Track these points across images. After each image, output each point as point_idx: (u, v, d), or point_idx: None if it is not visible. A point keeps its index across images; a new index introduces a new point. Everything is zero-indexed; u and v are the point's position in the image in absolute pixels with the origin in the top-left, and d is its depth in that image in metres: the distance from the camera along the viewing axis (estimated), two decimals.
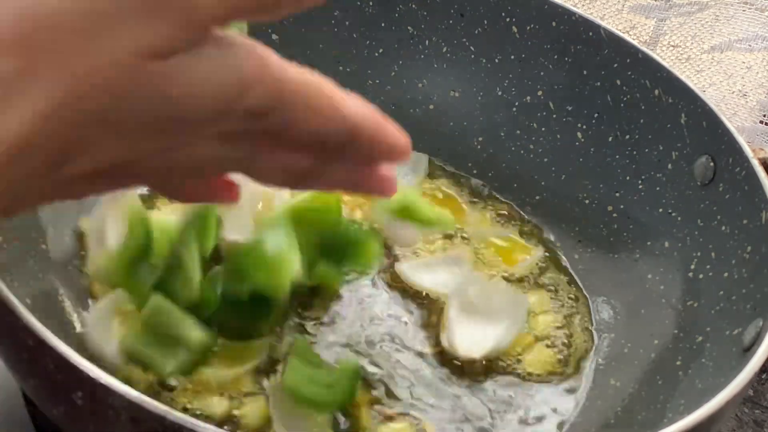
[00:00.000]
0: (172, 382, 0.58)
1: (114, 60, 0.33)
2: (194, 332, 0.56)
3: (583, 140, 0.77)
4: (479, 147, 0.80)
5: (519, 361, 0.65)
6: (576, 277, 0.72)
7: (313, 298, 0.66)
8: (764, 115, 0.96)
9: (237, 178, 0.44)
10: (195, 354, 0.57)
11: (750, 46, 0.97)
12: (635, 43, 0.74)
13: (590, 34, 0.75)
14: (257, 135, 0.39)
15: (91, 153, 0.35)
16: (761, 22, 0.96)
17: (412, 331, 0.66)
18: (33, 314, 0.48)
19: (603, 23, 0.75)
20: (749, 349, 0.57)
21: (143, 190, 0.66)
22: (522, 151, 0.79)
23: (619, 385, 0.65)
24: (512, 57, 0.78)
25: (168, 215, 0.66)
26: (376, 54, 0.80)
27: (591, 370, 0.66)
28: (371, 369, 0.62)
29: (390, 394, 0.61)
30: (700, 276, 0.67)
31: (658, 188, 0.72)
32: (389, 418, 0.60)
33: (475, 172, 0.78)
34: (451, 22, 0.79)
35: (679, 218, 0.70)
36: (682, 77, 0.71)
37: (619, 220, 0.74)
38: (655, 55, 0.73)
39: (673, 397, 0.60)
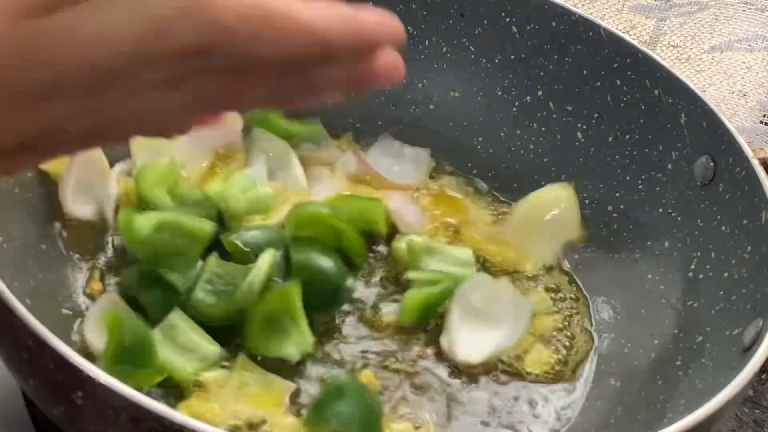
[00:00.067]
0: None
1: None
2: (209, 345, 0.59)
3: (583, 140, 0.77)
4: (479, 147, 0.80)
5: (519, 361, 0.65)
6: (576, 277, 0.72)
7: None
8: (764, 115, 0.96)
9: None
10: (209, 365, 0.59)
11: (750, 46, 0.97)
12: (635, 43, 0.74)
13: (590, 34, 0.75)
14: (219, 71, 0.35)
15: (2, 129, 0.33)
16: (761, 22, 0.96)
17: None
18: (33, 314, 0.48)
19: (603, 23, 0.75)
20: (749, 349, 0.57)
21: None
22: (522, 151, 0.79)
23: (619, 385, 0.65)
24: (512, 57, 0.78)
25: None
26: None
27: (591, 370, 0.66)
28: (371, 370, 0.62)
29: (390, 393, 0.61)
30: (700, 276, 0.67)
31: (658, 188, 0.72)
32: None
33: (475, 172, 0.78)
34: (451, 22, 0.79)
35: (679, 218, 0.70)
36: (682, 77, 0.71)
37: (619, 220, 0.74)
38: (655, 55, 0.73)
39: (673, 397, 0.60)
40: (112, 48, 0.32)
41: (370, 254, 0.70)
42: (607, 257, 0.73)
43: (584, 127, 0.77)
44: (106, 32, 0.32)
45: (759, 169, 0.64)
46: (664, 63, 0.72)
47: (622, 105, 0.74)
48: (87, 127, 0.35)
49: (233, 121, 0.74)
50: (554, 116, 0.78)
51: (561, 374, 0.65)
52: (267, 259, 0.62)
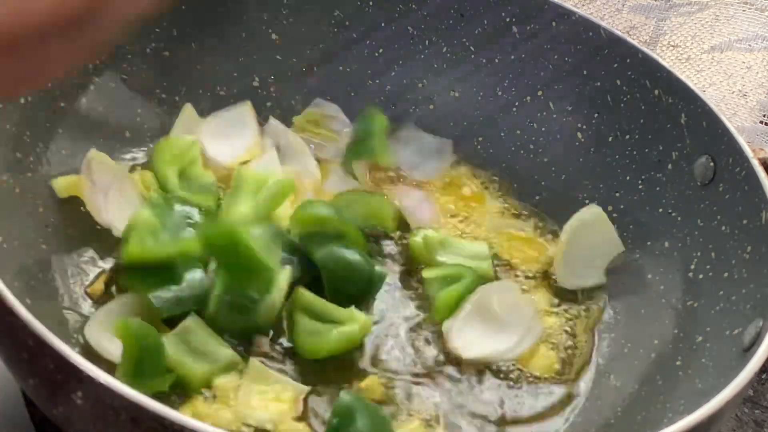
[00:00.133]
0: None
1: None
2: (223, 349, 0.59)
3: (583, 140, 0.77)
4: (479, 147, 0.80)
5: (522, 360, 0.65)
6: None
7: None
8: (764, 115, 0.96)
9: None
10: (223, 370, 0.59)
11: (750, 46, 0.97)
12: (635, 43, 0.74)
13: (590, 34, 0.75)
14: None
15: None
16: (761, 22, 0.96)
17: (417, 323, 0.66)
18: (33, 314, 0.48)
19: (603, 23, 0.75)
20: (749, 349, 0.57)
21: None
22: (522, 151, 0.79)
23: (619, 385, 0.65)
24: (512, 57, 0.78)
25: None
26: (376, 54, 0.80)
27: (591, 370, 0.66)
28: (377, 369, 0.63)
29: (390, 392, 0.61)
30: (700, 276, 0.67)
31: (658, 188, 0.72)
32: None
33: (474, 172, 0.78)
34: (451, 22, 0.79)
35: (679, 218, 0.70)
36: (682, 77, 0.71)
37: (619, 220, 0.74)
38: (655, 55, 0.73)
39: (673, 397, 0.60)
40: None
41: (380, 252, 0.70)
42: None
43: (584, 127, 0.77)
44: None
45: (759, 169, 0.64)
46: (664, 63, 0.72)
47: (622, 105, 0.74)
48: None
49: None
50: (554, 116, 0.78)
51: (562, 374, 0.65)
52: (286, 277, 0.62)
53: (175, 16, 0.74)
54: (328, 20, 0.79)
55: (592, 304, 0.70)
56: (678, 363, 0.63)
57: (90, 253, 0.65)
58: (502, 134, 0.79)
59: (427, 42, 0.80)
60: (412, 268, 0.70)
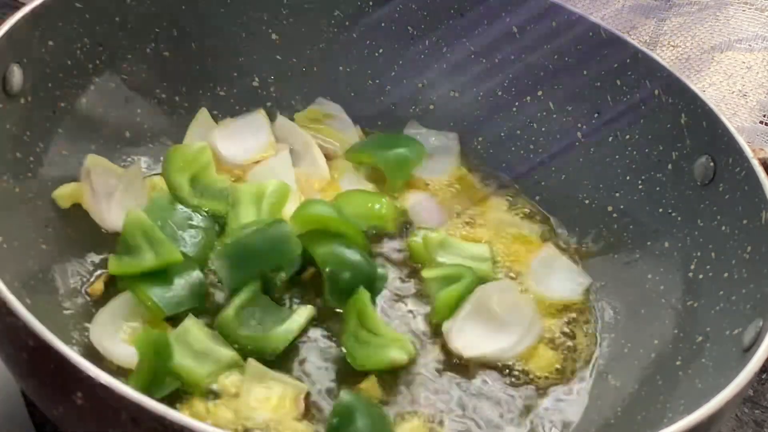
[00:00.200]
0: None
1: None
2: (223, 350, 0.60)
3: (583, 140, 0.77)
4: (479, 147, 0.80)
5: (521, 361, 0.65)
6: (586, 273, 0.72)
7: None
8: (764, 115, 0.96)
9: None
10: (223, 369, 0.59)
11: (750, 46, 0.97)
12: (635, 43, 0.74)
13: (590, 34, 0.75)
14: None
15: None
16: (761, 22, 0.96)
17: (417, 323, 0.66)
18: (33, 314, 0.48)
19: (603, 23, 0.75)
20: (749, 349, 0.57)
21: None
22: (522, 151, 0.79)
23: (619, 385, 0.65)
24: (512, 57, 0.78)
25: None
26: (376, 54, 0.80)
27: (591, 370, 0.66)
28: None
29: (390, 391, 0.61)
30: (700, 276, 0.67)
31: (658, 188, 0.72)
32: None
33: (475, 172, 0.79)
34: (451, 22, 0.79)
35: (679, 218, 0.70)
36: (682, 77, 0.71)
37: (619, 220, 0.74)
38: (655, 55, 0.73)
39: (673, 397, 0.60)
40: None
41: (381, 253, 0.70)
42: (607, 257, 0.73)
43: (584, 127, 0.77)
44: None
45: (759, 169, 0.64)
46: (664, 63, 0.72)
47: (622, 105, 0.74)
48: None
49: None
50: (554, 116, 0.78)
51: (562, 374, 0.65)
52: (305, 315, 0.62)
53: (175, 16, 0.74)
54: (328, 20, 0.79)
55: (592, 305, 0.70)
56: (678, 363, 0.63)
57: (90, 253, 0.65)
58: (502, 134, 0.79)
59: (427, 42, 0.80)
60: (412, 269, 0.70)
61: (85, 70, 0.70)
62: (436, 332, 0.66)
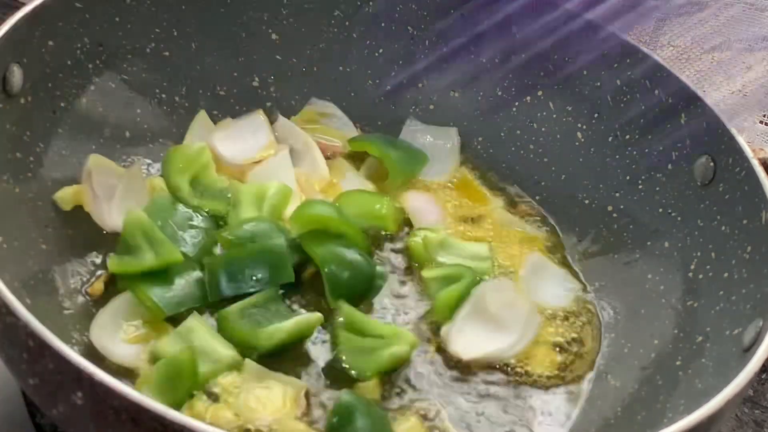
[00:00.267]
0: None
1: None
2: (224, 350, 0.60)
3: (583, 140, 0.77)
4: (479, 147, 0.80)
5: (523, 361, 0.65)
6: (577, 278, 0.72)
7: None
8: (764, 115, 0.96)
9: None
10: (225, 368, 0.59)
11: (750, 46, 0.97)
12: (635, 43, 0.74)
13: (590, 34, 0.75)
14: None
15: None
16: (761, 22, 0.96)
17: (417, 323, 0.66)
18: (33, 314, 0.48)
19: (603, 23, 0.75)
20: (749, 349, 0.57)
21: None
22: (522, 151, 0.79)
23: (619, 385, 0.65)
24: (512, 57, 0.78)
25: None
26: (376, 54, 0.80)
27: (591, 370, 0.66)
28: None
29: (389, 391, 0.61)
30: (700, 276, 0.67)
31: (658, 188, 0.72)
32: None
33: (475, 172, 0.78)
34: (451, 22, 0.79)
35: (679, 218, 0.70)
36: (682, 77, 0.71)
37: (619, 220, 0.74)
38: (655, 55, 0.73)
39: (673, 397, 0.60)
40: None
41: (381, 253, 0.70)
42: (607, 257, 0.73)
43: (584, 127, 0.77)
44: None
45: (759, 169, 0.64)
46: (664, 63, 0.72)
47: (622, 105, 0.74)
48: None
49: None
50: (554, 116, 0.78)
51: (562, 374, 0.65)
52: (304, 319, 0.62)
53: (175, 16, 0.74)
54: (328, 20, 0.79)
55: (592, 305, 0.70)
56: (678, 363, 0.63)
57: (90, 253, 0.65)
58: (502, 134, 0.79)
59: (427, 42, 0.80)
60: (412, 269, 0.70)
61: (85, 70, 0.69)
62: (436, 332, 0.66)
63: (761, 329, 0.57)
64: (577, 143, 0.77)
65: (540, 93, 0.78)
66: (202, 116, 0.75)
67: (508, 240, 0.73)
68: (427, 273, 0.68)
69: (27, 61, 0.63)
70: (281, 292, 0.64)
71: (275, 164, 0.73)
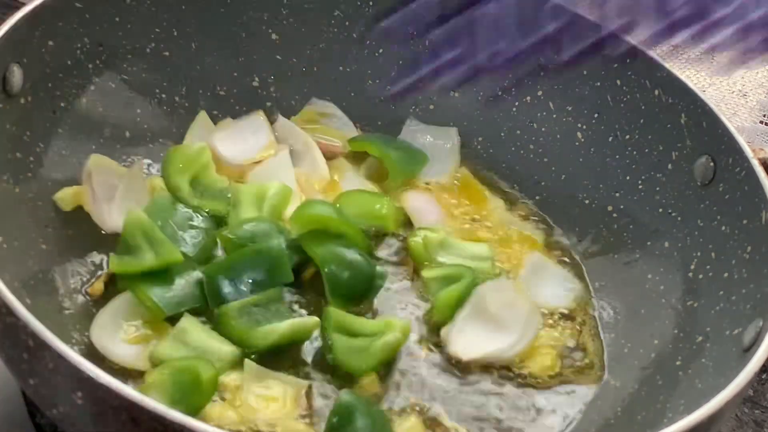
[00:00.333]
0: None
1: None
2: (223, 347, 0.60)
3: (583, 140, 0.77)
4: (479, 147, 0.80)
5: (522, 361, 0.65)
6: (577, 278, 0.72)
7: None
8: (764, 115, 0.96)
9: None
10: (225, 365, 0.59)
11: None
12: (635, 43, 0.74)
13: (590, 34, 0.75)
14: None
15: None
16: None
17: (417, 323, 0.66)
18: (33, 314, 0.48)
19: (603, 23, 0.75)
20: (749, 349, 0.57)
21: None
22: (522, 151, 0.79)
23: (619, 385, 0.65)
24: (512, 57, 0.78)
25: None
26: (376, 54, 0.80)
27: (591, 370, 0.66)
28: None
29: (389, 391, 0.61)
30: (700, 276, 0.67)
31: (658, 188, 0.72)
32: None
33: (475, 172, 0.78)
34: (451, 21, 0.79)
35: (679, 218, 0.70)
36: (682, 77, 0.71)
37: (619, 220, 0.74)
38: (655, 55, 0.73)
39: (673, 397, 0.60)
40: None
41: (381, 252, 0.70)
42: (607, 257, 0.73)
43: (584, 127, 0.77)
44: None
45: (759, 169, 0.64)
46: (664, 63, 0.72)
47: (622, 105, 0.74)
48: None
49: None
50: (554, 116, 0.78)
51: (562, 374, 0.65)
52: (299, 322, 0.62)
53: (175, 16, 0.74)
54: (328, 20, 0.79)
55: (592, 305, 0.70)
56: (678, 363, 0.63)
57: (90, 253, 0.65)
58: (502, 134, 0.79)
59: (426, 42, 0.80)
60: (412, 269, 0.70)
61: (85, 70, 0.69)
62: (436, 332, 0.66)
63: (761, 329, 0.57)
64: (577, 143, 0.77)
65: (540, 93, 0.78)
66: (202, 116, 0.75)
67: (508, 240, 0.73)
68: (427, 273, 0.68)
69: (27, 61, 0.63)
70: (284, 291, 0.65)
71: (275, 164, 0.73)
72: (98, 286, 0.63)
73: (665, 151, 0.71)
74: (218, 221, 0.68)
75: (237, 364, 0.60)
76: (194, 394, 0.57)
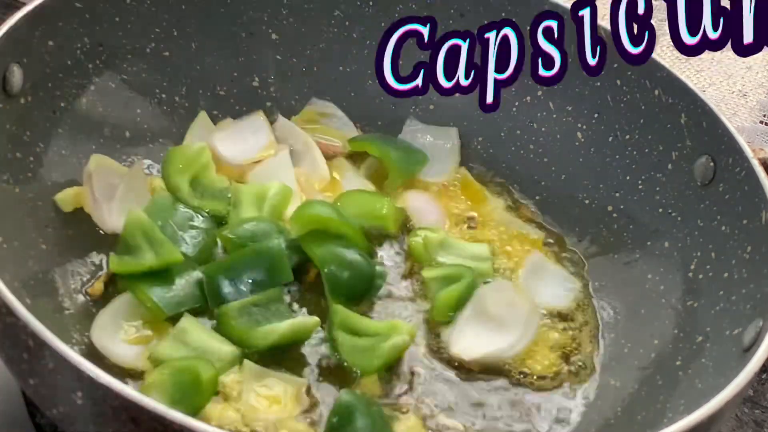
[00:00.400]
0: None
1: None
2: (223, 346, 0.60)
3: (583, 140, 0.77)
4: (479, 147, 0.80)
5: (521, 361, 0.65)
6: (577, 279, 0.72)
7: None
8: (764, 115, 0.96)
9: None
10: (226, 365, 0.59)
11: None
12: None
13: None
14: None
15: None
16: None
17: (417, 323, 0.66)
18: (33, 314, 0.48)
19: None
20: (749, 349, 0.57)
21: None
22: (522, 151, 0.79)
23: (619, 385, 0.65)
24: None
25: None
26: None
27: (591, 370, 0.66)
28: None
29: (389, 391, 0.61)
30: (700, 276, 0.67)
31: (658, 188, 0.72)
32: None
33: (475, 172, 0.79)
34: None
35: (679, 218, 0.70)
36: (682, 77, 0.71)
37: (619, 220, 0.74)
38: (655, 55, 0.73)
39: (673, 397, 0.60)
40: None
41: (381, 252, 0.70)
42: (607, 257, 0.73)
43: (584, 127, 0.77)
44: None
45: (759, 169, 0.64)
46: (664, 63, 0.72)
47: (622, 105, 0.74)
48: None
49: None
50: (554, 116, 0.78)
51: (562, 374, 0.65)
52: (298, 322, 0.62)
53: (175, 16, 0.74)
54: (328, 20, 0.79)
55: (592, 305, 0.70)
56: (678, 363, 0.63)
57: (90, 253, 0.65)
58: (502, 134, 0.79)
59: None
60: (412, 268, 0.70)
61: (85, 70, 0.70)
62: (436, 332, 0.66)
63: (761, 329, 0.57)
64: (577, 143, 0.77)
65: (540, 93, 0.78)
66: (202, 116, 0.75)
67: (508, 240, 0.73)
68: (427, 273, 0.68)
69: (27, 61, 0.63)
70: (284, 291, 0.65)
71: (275, 164, 0.73)
72: (98, 287, 0.63)
73: (665, 151, 0.72)
74: (218, 221, 0.68)
75: (237, 364, 0.59)
76: (194, 394, 0.57)
